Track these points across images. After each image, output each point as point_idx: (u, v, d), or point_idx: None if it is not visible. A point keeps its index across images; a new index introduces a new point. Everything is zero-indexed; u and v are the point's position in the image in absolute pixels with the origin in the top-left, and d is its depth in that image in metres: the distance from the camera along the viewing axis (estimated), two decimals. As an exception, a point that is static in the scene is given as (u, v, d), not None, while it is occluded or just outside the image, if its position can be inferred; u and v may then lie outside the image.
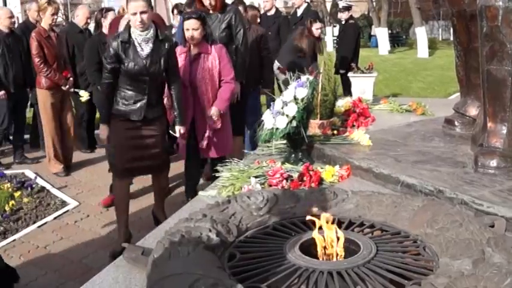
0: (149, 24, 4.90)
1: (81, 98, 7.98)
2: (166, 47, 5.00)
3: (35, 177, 6.98)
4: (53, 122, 7.47)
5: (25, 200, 6.16)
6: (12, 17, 8.03)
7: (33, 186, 6.71)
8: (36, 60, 7.06)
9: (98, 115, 8.33)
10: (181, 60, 5.52)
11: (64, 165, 7.66)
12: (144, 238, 3.22)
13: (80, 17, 8.79)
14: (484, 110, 4.11)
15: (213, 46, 5.64)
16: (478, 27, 3.99)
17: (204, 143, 5.72)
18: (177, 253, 2.45)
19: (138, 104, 4.95)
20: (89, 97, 7.95)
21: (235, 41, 6.29)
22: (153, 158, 5.16)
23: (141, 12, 4.75)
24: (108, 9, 7.79)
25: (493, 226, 2.85)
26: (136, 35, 4.87)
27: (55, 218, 5.89)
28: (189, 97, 5.57)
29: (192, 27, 5.44)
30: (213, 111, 5.60)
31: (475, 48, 4.49)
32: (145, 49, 4.90)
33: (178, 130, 5.27)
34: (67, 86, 7.55)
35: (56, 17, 7.40)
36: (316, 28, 8.43)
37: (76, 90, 7.96)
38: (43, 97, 7.45)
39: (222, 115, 5.70)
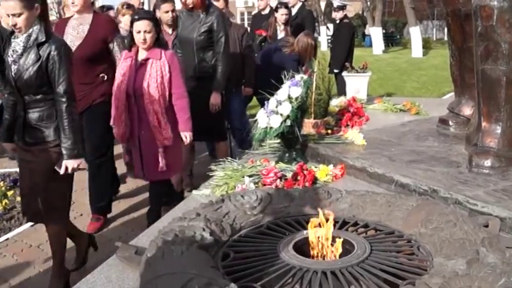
0: (29, 28, 4.00)
1: None
2: (47, 52, 3.98)
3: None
4: None
5: (18, 198, 6.11)
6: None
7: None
8: None
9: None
10: (126, 65, 4.92)
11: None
12: (137, 237, 3.21)
13: None
14: (478, 109, 4.12)
15: (163, 52, 4.93)
16: (473, 27, 4.00)
17: (149, 162, 4.98)
18: (171, 252, 2.44)
19: (17, 122, 4.16)
20: None
21: (216, 47, 5.90)
22: (30, 203, 4.23)
23: (13, 15, 3.93)
24: (109, 8, 7.74)
25: (487, 226, 2.86)
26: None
27: (48, 217, 5.82)
28: (133, 107, 4.88)
29: (143, 29, 4.80)
30: (184, 136, 5.00)
31: (469, 48, 4.51)
32: (14, 55, 4.04)
33: (64, 166, 4.01)
34: None
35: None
36: (281, 14, 8.41)
37: None
38: None
39: (175, 137, 4.97)
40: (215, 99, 5.97)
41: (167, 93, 4.89)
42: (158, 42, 4.95)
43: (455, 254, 2.44)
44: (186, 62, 5.92)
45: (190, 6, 5.86)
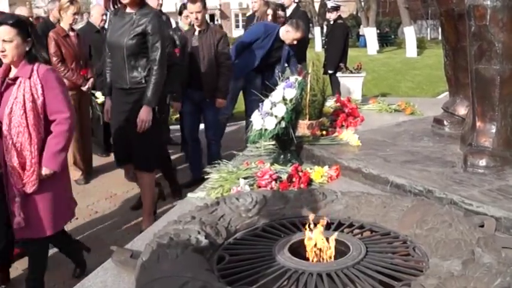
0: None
1: (97, 100, 7.68)
2: None
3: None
4: None
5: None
6: (32, 16, 7.72)
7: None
8: (54, 59, 6.79)
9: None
10: None
11: (84, 172, 7.29)
12: (132, 241, 3.21)
13: (95, 16, 8.54)
14: (472, 109, 4.14)
15: (36, 68, 3.91)
16: (466, 27, 4.01)
17: (17, 213, 3.87)
18: (166, 256, 2.44)
19: None
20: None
21: (150, 54, 5.08)
22: None
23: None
24: None
25: (482, 226, 2.87)
26: None
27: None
28: None
29: (2, 38, 3.85)
30: (44, 173, 3.92)
31: (463, 48, 4.52)
32: None
33: None
34: (86, 86, 7.18)
35: (77, 16, 7.15)
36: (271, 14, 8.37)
37: (92, 91, 7.62)
38: None
39: (50, 177, 3.98)
40: (144, 115, 5.09)
41: (42, 122, 3.92)
42: (29, 55, 3.96)
43: (450, 254, 2.45)
44: (115, 71, 5.31)
45: (125, 1, 5.11)
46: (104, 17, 8.30)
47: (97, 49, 7.64)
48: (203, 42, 6.52)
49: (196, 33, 6.57)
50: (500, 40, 3.79)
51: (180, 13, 9.12)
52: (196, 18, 6.50)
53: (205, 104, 6.68)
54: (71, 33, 7.05)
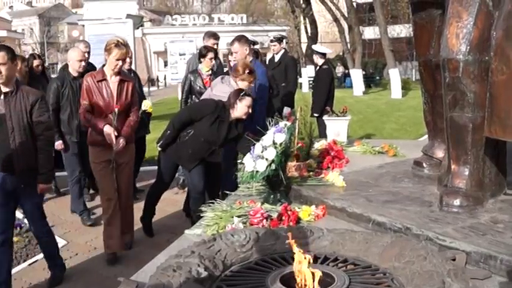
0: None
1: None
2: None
3: (23, 217, 7.03)
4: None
5: (15, 239, 6.26)
6: (82, 60, 7.28)
7: (22, 225, 6.77)
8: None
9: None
10: None
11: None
12: (136, 273, 3.44)
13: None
14: (448, 153, 4.40)
15: None
16: (442, 78, 4.27)
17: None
18: (171, 286, 2.71)
19: None
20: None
21: None
22: None
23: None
24: None
25: (454, 259, 3.15)
26: None
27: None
28: None
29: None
30: None
31: (440, 95, 4.67)
32: None
33: None
34: None
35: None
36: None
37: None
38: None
39: None
40: None
41: None
42: None
43: (424, 284, 2.74)
44: None
45: None
46: (83, 63, 7.41)
47: None
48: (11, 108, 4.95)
49: (2, 96, 4.99)
50: (472, 90, 4.04)
51: None
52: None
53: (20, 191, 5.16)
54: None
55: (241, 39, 7.15)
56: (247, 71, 6.12)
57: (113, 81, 5.85)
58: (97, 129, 5.69)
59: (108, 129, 5.61)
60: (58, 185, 8.93)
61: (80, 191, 7.26)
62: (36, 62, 8.80)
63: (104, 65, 6.16)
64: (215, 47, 8.20)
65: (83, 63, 7.27)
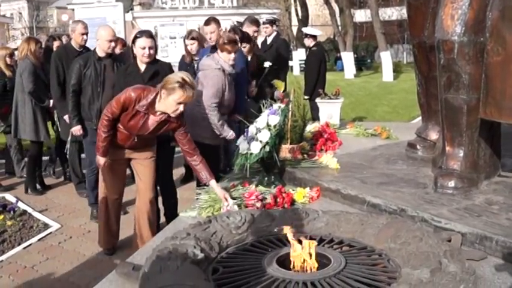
0: None
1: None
2: None
3: (16, 201, 7.02)
4: None
5: (8, 222, 6.26)
6: (112, 40, 6.56)
7: (15, 209, 6.74)
8: None
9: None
10: None
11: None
12: (132, 256, 3.45)
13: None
14: (442, 135, 4.42)
15: None
16: (436, 59, 4.27)
17: None
18: (167, 267, 2.71)
19: None
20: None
21: None
22: None
23: None
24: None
25: (450, 241, 3.16)
26: None
27: (39, 240, 6.00)
28: None
29: None
30: None
31: (434, 77, 4.72)
32: None
33: None
34: None
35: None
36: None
37: None
38: None
39: None
40: None
41: None
42: None
43: (420, 264, 2.74)
44: None
45: None
46: (85, 37, 7.32)
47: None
48: None
49: None
50: (467, 72, 4.04)
51: None
52: None
53: None
54: None
55: (217, 20, 6.99)
56: (227, 40, 5.89)
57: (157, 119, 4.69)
58: (98, 144, 4.92)
59: (99, 161, 5.01)
60: (55, 170, 8.96)
61: (96, 183, 6.94)
62: (56, 43, 8.69)
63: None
64: (255, 35, 7.82)
65: (113, 44, 6.62)
